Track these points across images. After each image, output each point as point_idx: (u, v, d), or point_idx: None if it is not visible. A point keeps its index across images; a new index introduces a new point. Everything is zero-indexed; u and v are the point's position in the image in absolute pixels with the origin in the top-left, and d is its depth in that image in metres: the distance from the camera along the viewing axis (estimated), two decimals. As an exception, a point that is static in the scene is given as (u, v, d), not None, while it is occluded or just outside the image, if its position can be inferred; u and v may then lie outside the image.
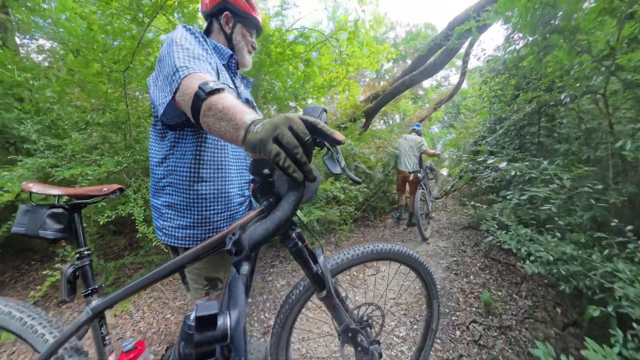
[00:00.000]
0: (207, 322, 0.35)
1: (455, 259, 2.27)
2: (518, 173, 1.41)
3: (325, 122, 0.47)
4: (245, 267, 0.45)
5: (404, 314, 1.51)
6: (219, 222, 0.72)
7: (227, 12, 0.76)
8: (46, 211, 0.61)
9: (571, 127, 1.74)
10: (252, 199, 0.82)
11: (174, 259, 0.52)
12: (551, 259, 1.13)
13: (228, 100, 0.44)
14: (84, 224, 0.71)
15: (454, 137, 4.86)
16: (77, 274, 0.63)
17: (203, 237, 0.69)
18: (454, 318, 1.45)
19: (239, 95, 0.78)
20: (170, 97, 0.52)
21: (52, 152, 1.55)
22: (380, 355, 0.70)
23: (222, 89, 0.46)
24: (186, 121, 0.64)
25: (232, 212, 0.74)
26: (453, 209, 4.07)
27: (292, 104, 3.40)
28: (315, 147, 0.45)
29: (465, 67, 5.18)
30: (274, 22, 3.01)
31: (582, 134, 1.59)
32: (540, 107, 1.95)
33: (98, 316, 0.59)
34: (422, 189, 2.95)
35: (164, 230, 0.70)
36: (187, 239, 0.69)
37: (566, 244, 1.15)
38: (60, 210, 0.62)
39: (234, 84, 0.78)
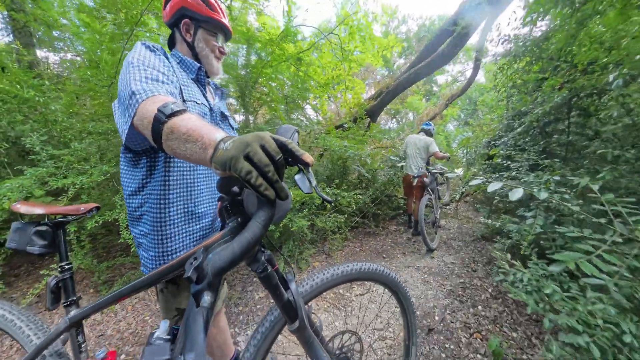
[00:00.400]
0: None
1: (462, 280, 1.97)
2: (545, 196, 0.93)
3: (297, 143, 0.48)
4: (206, 298, 0.39)
5: (384, 344, 1.35)
6: (190, 246, 0.71)
7: (185, 20, 0.74)
8: (33, 229, 0.70)
9: (617, 122, 1.24)
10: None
11: (140, 278, 0.56)
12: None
13: (191, 121, 0.44)
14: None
15: (467, 136, 4.56)
16: (60, 285, 0.72)
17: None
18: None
19: (211, 109, 0.77)
20: (129, 123, 0.53)
21: (53, 162, 1.72)
22: None
23: (184, 110, 0.47)
24: (148, 148, 0.65)
25: (205, 233, 0.74)
26: (465, 216, 3.81)
27: (289, 106, 3.41)
28: (287, 167, 0.44)
29: (479, 55, 4.70)
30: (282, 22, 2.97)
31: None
32: (572, 97, 1.59)
33: (75, 325, 0.67)
34: (429, 194, 2.76)
35: (142, 261, 0.71)
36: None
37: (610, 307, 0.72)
38: (44, 227, 0.72)
39: (205, 97, 0.78)
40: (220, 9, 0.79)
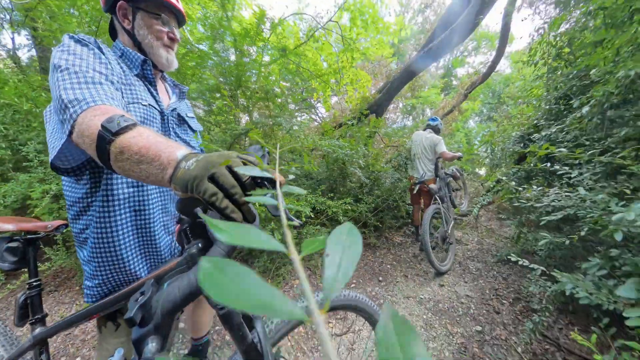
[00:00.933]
0: None
1: (479, 328, 1.47)
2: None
3: (268, 163, 0.47)
4: (151, 346, 0.33)
5: None
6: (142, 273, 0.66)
7: (121, 2, 0.63)
8: (4, 245, 0.75)
9: None
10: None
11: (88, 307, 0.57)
12: None
13: (144, 137, 0.41)
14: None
15: (491, 131, 3.93)
16: (28, 302, 0.75)
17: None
18: None
19: (161, 112, 0.69)
20: (64, 140, 0.49)
21: (43, 168, 1.85)
22: None
23: (134, 124, 0.43)
24: (90, 160, 0.58)
25: (162, 257, 0.69)
26: (487, 227, 3.27)
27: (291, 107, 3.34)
28: (255, 187, 0.42)
29: (509, 11, 3.64)
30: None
31: None
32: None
33: (40, 343, 0.70)
34: (438, 203, 2.39)
35: (85, 291, 0.65)
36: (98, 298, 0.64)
37: None
38: (16, 244, 0.76)
39: (154, 97, 0.69)
40: None
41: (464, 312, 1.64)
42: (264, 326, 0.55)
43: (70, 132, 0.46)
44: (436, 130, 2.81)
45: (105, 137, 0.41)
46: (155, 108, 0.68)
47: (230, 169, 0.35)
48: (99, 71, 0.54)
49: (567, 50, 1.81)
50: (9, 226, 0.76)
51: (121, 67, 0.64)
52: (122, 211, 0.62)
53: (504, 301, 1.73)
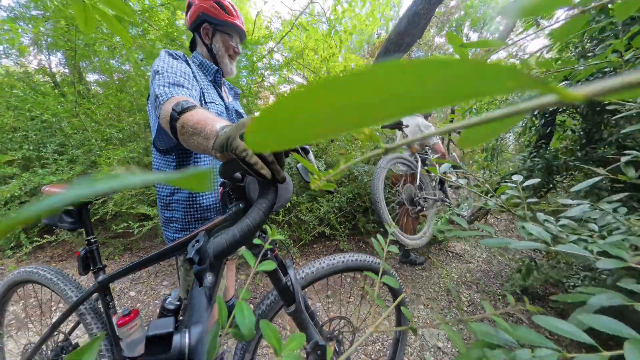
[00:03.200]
0: (159, 342, 0.32)
1: None
2: None
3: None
4: (208, 279, 0.42)
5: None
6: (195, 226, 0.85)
7: (205, 24, 0.85)
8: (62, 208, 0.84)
9: None
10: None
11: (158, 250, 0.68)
12: None
13: (198, 114, 0.51)
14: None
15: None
16: (88, 255, 0.87)
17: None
18: None
19: (227, 108, 0.88)
20: (157, 123, 0.65)
21: (56, 164, 2.28)
22: None
23: (194, 106, 0.53)
24: (177, 144, 0.74)
25: (204, 215, 0.85)
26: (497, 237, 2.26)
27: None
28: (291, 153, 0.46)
29: None
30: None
31: None
32: None
33: (103, 288, 0.83)
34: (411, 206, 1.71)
35: (166, 241, 0.90)
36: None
37: None
38: (70, 207, 0.86)
39: (221, 97, 0.89)
40: (236, 12, 0.88)
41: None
42: (295, 272, 0.66)
43: (159, 116, 0.61)
44: (425, 115, 2.16)
45: (174, 116, 0.53)
46: (223, 105, 0.87)
47: None
48: (183, 77, 0.71)
49: None
50: (59, 191, 0.85)
51: (199, 74, 0.85)
52: None
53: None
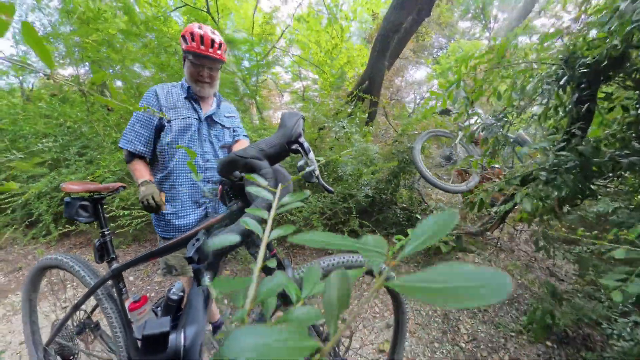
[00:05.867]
0: (155, 342, 0.32)
1: None
2: None
3: (302, 130, 0.50)
4: (206, 278, 0.42)
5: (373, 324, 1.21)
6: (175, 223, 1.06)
7: (183, 54, 1.02)
8: (78, 203, 0.91)
9: None
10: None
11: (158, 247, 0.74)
12: None
13: (133, 166, 1.01)
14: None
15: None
16: (102, 246, 0.95)
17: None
18: None
19: (198, 119, 1.05)
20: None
21: (75, 165, 2.54)
22: None
23: (130, 161, 1.01)
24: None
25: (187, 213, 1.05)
26: (524, 251, 1.84)
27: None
28: (291, 154, 0.48)
29: None
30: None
31: None
32: None
33: (116, 275, 0.90)
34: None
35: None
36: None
37: None
38: (86, 202, 0.93)
39: (195, 109, 1.06)
40: (210, 41, 0.96)
41: None
42: (294, 273, 0.64)
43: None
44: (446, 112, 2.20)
45: (126, 160, 1.02)
46: (194, 118, 1.04)
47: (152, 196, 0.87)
48: (139, 128, 1.01)
49: None
50: (76, 187, 0.92)
51: (174, 94, 1.05)
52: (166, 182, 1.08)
53: None
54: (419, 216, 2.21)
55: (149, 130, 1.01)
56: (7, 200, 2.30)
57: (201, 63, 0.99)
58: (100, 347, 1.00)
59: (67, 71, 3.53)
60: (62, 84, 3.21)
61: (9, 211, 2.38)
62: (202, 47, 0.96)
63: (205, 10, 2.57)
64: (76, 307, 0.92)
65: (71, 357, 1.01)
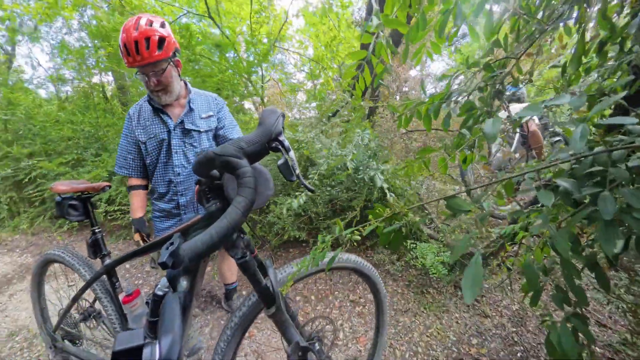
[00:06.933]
0: (129, 356, 0.31)
1: None
2: None
3: (282, 127, 0.47)
4: (183, 283, 0.40)
5: (371, 314, 1.24)
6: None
7: None
8: (67, 203, 0.94)
9: None
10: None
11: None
12: None
13: (131, 196, 1.09)
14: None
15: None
16: (94, 243, 0.98)
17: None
18: None
19: (169, 131, 1.02)
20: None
21: (91, 164, 2.78)
22: None
23: (130, 192, 1.10)
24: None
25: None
26: (557, 276, 1.05)
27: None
28: (270, 152, 0.45)
29: None
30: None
31: None
32: None
33: (109, 270, 0.93)
34: None
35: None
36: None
37: None
38: (75, 202, 0.95)
39: (164, 120, 1.01)
40: (134, 46, 0.83)
41: None
42: (275, 273, 0.62)
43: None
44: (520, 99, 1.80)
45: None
46: (163, 133, 1.01)
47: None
48: (123, 152, 1.08)
49: None
50: (63, 187, 0.94)
51: (143, 111, 1.02)
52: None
53: None
54: (424, 230, 1.71)
55: (132, 154, 1.05)
56: (35, 194, 2.60)
57: (144, 73, 0.89)
58: (102, 334, 1.07)
59: (95, 78, 3.88)
60: (88, 91, 3.47)
61: (37, 203, 2.68)
62: (131, 58, 0.84)
63: (207, 14, 2.48)
64: (75, 300, 0.97)
65: (77, 342, 1.10)
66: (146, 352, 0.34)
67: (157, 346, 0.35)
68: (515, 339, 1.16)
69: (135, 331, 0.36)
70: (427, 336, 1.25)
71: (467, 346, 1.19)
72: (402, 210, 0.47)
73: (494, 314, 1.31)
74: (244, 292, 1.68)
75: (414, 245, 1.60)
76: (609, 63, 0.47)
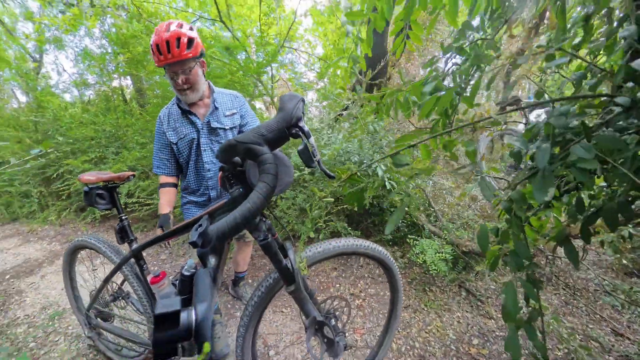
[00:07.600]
0: (168, 320, 0.34)
1: None
2: None
3: (302, 113, 0.48)
4: (212, 261, 0.44)
5: (370, 307, 1.29)
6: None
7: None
8: (95, 191, 1.02)
9: None
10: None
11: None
12: None
13: (162, 194, 1.11)
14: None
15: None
16: (121, 229, 1.06)
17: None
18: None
19: (198, 130, 1.07)
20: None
21: (112, 161, 2.93)
22: (346, 347, 0.71)
23: (161, 190, 1.11)
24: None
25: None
26: (583, 298, 1.29)
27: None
28: (291, 138, 0.47)
29: None
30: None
31: None
32: None
33: (137, 254, 1.00)
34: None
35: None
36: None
37: None
38: (102, 191, 1.03)
39: (192, 122, 1.06)
40: (165, 45, 0.88)
41: None
42: (295, 254, 0.65)
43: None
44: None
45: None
46: (192, 132, 1.07)
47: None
48: (157, 152, 1.13)
49: None
50: (90, 177, 1.01)
51: (176, 110, 1.07)
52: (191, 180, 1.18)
53: None
54: (426, 225, 1.72)
55: (165, 154, 1.11)
56: (63, 189, 2.82)
57: (173, 71, 0.93)
58: (128, 313, 1.15)
59: (115, 82, 4.16)
60: (108, 94, 3.70)
61: (64, 197, 2.93)
62: (162, 56, 0.89)
63: (218, 19, 2.57)
64: (106, 281, 1.05)
65: (108, 319, 1.19)
66: (183, 315, 0.38)
67: (193, 311, 0.39)
68: (520, 343, 1.13)
69: (174, 298, 0.39)
70: (425, 332, 1.27)
71: (468, 346, 1.19)
72: (352, 173, 0.58)
73: (499, 315, 1.29)
74: (250, 281, 1.77)
75: (417, 242, 1.61)
76: (600, 39, 0.46)
